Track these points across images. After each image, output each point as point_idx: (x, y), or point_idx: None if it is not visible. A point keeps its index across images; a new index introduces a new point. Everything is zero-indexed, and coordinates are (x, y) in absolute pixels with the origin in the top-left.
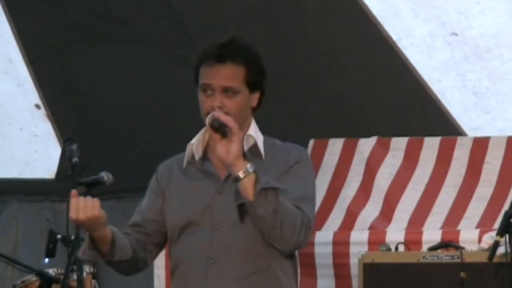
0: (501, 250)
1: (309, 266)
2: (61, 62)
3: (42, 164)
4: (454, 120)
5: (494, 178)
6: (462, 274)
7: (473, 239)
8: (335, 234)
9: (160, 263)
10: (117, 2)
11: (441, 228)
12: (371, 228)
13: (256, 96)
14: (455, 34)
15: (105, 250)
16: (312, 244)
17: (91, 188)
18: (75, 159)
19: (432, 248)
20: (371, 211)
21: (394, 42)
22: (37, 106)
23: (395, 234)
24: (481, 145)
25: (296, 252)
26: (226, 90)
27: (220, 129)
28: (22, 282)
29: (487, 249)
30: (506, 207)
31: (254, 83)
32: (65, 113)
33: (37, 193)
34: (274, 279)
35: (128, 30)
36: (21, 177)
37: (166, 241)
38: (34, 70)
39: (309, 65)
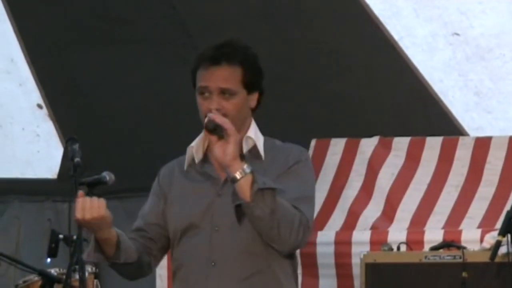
0: (503, 250)
1: (311, 266)
2: (63, 62)
3: (44, 164)
4: (456, 120)
5: (496, 178)
6: (464, 274)
7: (475, 239)
8: (337, 234)
9: (162, 263)
10: (118, 2)
11: (443, 228)
12: (373, 228)
13: (254, 97)
14: (457, 34)
15: (110, 252)
16: (314, 244)
17: (93, 188)
18: (77, 159)
19: (434, 248)
20: (373, 211)
21: (395, 42)
22: (39, 106)
23: (397, 234)
24: (483, 145)
25: (298, 252)
26: (223, 92)
27: (215, 130)
28: (24, 282)
29: (489, 249)
30: (508, 207)
31: (251, 83)
32: (67, 113)
33: (39, 193)
34: (274, 279)
35: (129, 30)
36: (23, 177)
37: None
38: (36, 70)
39: (311, 65)
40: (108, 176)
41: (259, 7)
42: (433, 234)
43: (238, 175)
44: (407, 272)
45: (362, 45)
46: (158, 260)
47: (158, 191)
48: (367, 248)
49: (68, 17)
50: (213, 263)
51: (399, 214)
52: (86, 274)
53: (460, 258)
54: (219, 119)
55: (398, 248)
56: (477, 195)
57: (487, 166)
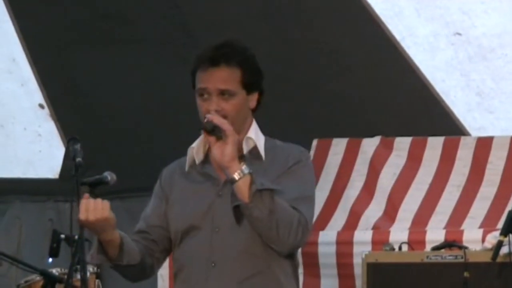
0: (504, 250)
1: (313, 265)
2: (64, 62)
3: (46, 164)
4: (458, 120)
5: (497, 178)
6: (466, 274)
7: (476, 239)
8: (338, 234)
9: (163, 263)
10: (118, 2)
11: (445, 228)
12: (375, 228)
13: (254, 97)
14: (459, 34)
15: (114, 254)
16: (315, 244)
17: (94, 188)
18: (78, 159)
19: (436, 248)
20: (374, 211)
21: (397, 42)
22: (41, 106)
23: (398, 234)
24: (484, 145)
25: (299, 252)
26: (222, 93)
27: (213, 131)
28: (26, 282)
29: (491, 249)
30: (509, 207)
31: (250, 84)
32: (69, 113)
33: (40, 193)
34: (274, 280)
35: (129, 30)
36: (25, 176)
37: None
38: (37, 70)
39: (311, 65)
40: (109, 176)
41: (259, 7)
42: (435, 234)
43: (236, 176)
44: (409, 272)
45: (363, 45)
46: (161, 262)
47: (159, 193)
48: (368, 248)
49: (69, 17)
50: (213, 264)
51: (400, 214)
52: (88, 274)
53: (462, 258)
54: (217, 120)
55: (400, 248)
56: (478, 195)
57: (488, 166)
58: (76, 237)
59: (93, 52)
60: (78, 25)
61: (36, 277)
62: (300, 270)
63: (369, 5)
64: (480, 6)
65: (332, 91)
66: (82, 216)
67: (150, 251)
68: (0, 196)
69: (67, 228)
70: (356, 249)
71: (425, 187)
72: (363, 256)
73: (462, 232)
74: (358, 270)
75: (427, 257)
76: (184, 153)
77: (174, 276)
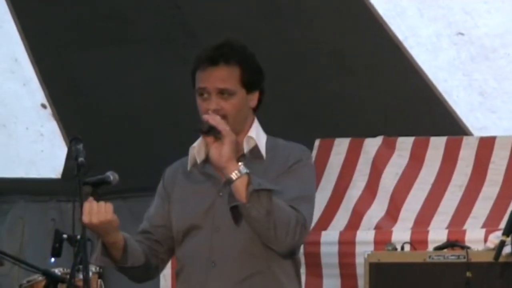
0: (507, 249)
1: (315, 265)
2: (64, 62)
3: (48, 163)
4: (460, 119)
5: (500, 178)
6: (468, 274)
7: (479, 238)
8: (341, 233)
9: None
10: (119, 2)
11: (447, 227)
12: (377, 227)
13: (254, 96)
14: (461, 34)
15: (117, 256)
16: (318, 243)
17: (97, 188)
18: (81, 159)
19: (438, 248)
20: (377, 210)
21: (400, 42)
22: (43, 106)
23: (401, 233)
24: (487, 145)
25: (301, 252)
26: (221, 92)
27: (210, 132)
28: (28, 281)
29: (493, 249)
30: None
31: (250, 83)
32: (71, 112)
33: (43, 192)
34: (274, 280)
35: (129, 30)
36: (27, 176)
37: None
38: (39, 70)
39: (313, 65)
40: (112, 176)
41: (259, 7)
42: (437, 234)
43: (233, 176)
44: (411, 272)
45: (366, 45)
46: (165, 262)
47: (162, 193)
48: (371, 248)
49: (71, 17)
50: (213, 264)
51: (403, 214)
52: (90, 274)
53: (464, 258)
54: (213, 121)
55: (402, 248)
56: (481, 195)
57: (491, 166)
58: (79, 237)
59: (93, 52)
60: (78, 25)
61: (39, 277)
62: (302, 270)
63: (371, 5)
64: (483, 6)
65: (334, 91)
66: (86, 218)
67: (154, 251)
68: (3, 196)
69: (69, 228)
70: (359, 249)
71: (428, 187)
72: (365, 256)
73: (464, 232)
74: (360, 270)
75: (429, 257)
76: (184, 153)
77: (176, 275)
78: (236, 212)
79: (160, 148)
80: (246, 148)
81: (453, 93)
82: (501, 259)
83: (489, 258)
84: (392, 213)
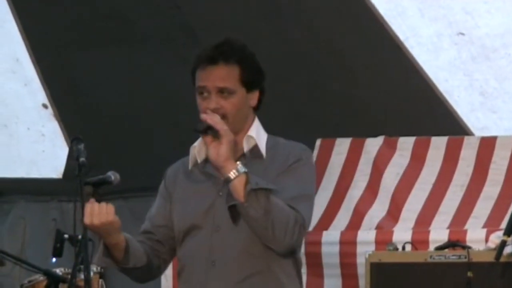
0: (508, 249)
1: (316, 265)
2: (66, 61)
3: (49, 163)
4: (461, 119)
5: (501, 178)
6: (469, 274)
7: (480, 238)
8: (342, 233)
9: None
10: (119, 2)
11: (448, 227)
12: (378, 227)
13: (254, 95)
14: (462, 34)
15: (119, 256)
16: (319, 243)
17: (98, 188)
18: (82, 159)
19: (439, 248)
20: (378, 210)
21: (401, 42)
22: (44, 106)
23: (402, 233)
24: (488, 144)
25: (303, 251)
26: (221, 91)
27: (207, 131)
28: (30, 281)
29: (494, 249)
30: None
31: (250, 82)
32: (72, 112)
33: (44, 192)
34: (274, 280)
35: (129, 30)
36: (28, 176)
37: None
38: (41, 70)
39: (316, 65)
40: (113, 176)
41: (259, 7)
42: (438, 233)
43: (231, 175)
44: (412, 272)
45: (367, 45)
46: (167, 262)
47: (164, 193)
48: (372, 247)
49: (71, 16)
50: (213, 263)
51: (404, 213)
52: (91, 274)
53: (465, 258)
54: (211, 120)
55: (403, 248)
56: (482, 195)
57: (492, 165)
58: (80, 237)
59: (93, 52)
60: (78, 25)
61: (40, 277)
62: (304, 270)
63: (372, 5)
64: (483, 6)
65: (335, 91)
66: (87, 220)
67: (156, 251)
68: (4, 196)
69: (70, 228)
70: (360, 249)
71: (429, 187)
72: (367, 256)
73: (465, 232)
74: (362, 270)
75: (431, 257)
76: (184, 153)
77: (177, 275)
78: (235, 212)
79: (160, 148)
80: (246, 148)
81: (454, 93)
82: (502, 259)
83: (490, 258)
84: (393, 213)
